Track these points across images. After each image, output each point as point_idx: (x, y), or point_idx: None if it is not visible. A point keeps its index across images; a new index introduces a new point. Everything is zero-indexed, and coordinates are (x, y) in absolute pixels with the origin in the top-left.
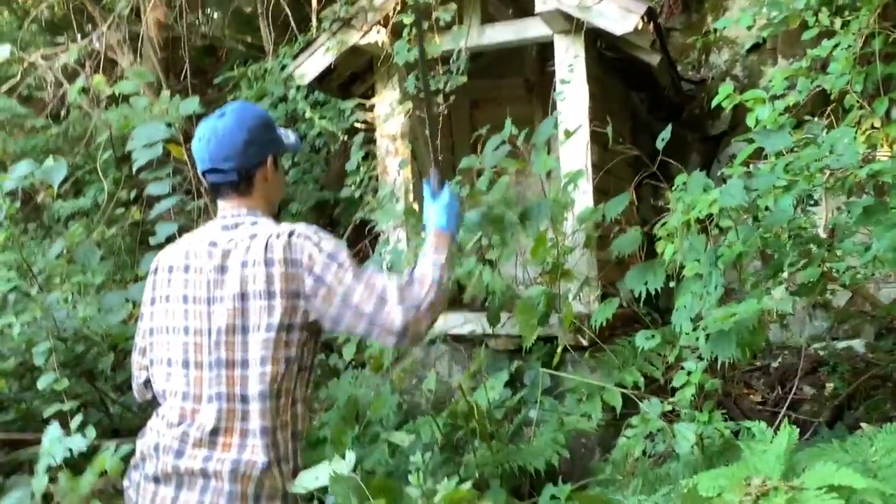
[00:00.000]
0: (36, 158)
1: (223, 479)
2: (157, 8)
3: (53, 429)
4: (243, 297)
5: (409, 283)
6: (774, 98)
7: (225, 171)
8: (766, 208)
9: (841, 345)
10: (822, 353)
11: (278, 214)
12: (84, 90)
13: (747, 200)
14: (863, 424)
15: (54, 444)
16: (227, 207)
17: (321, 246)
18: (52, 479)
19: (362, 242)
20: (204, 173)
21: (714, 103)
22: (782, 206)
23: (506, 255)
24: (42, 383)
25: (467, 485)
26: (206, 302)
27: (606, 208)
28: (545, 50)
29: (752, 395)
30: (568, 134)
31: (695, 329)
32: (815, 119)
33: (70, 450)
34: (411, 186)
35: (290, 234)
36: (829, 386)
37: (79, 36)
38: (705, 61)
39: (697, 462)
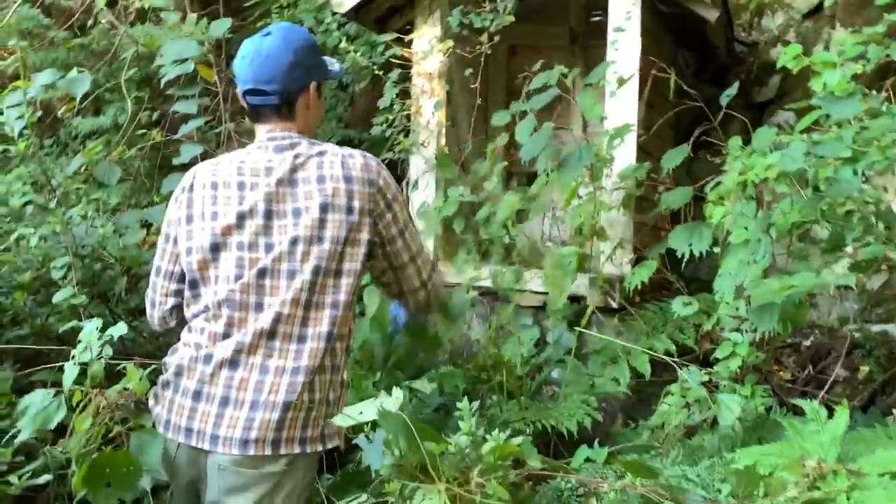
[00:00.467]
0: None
1: (279, 390)
2: None
3: (93, 323)
4: (323, 209)
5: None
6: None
7: (267, 94)
8: (827, 179)
9: (875, 328)
10: (856, 335)
11: None
12: (111, 2)
13: (807, 167)
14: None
15: (93, 335)
16: (275, 129)
17: (390, 176)
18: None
19: None
20: (244, 94)
21: (780, 64)
22: (845, 176)
23: (536, 208)
24: (58, 297)
25: (518, 439)
26: (265, 216)
27: (664, 160)
28: None
29: (781, 373)
30: (621, 81)
31: (736, 298)
32: (873, 92)
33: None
34: (444, 130)
35: (364, 156)
36: (864, 369)
37: None
38: (757, 24)
39: (736, 436)
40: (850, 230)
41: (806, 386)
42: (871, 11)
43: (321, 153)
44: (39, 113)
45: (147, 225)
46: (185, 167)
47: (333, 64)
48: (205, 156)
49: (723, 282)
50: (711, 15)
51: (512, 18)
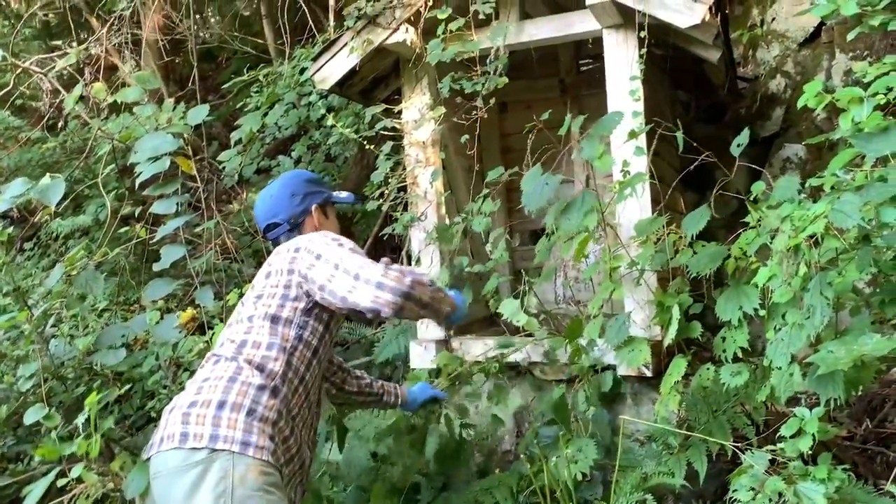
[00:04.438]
0: (32, 173)
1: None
2: (157, 11)
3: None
4: (266, 275)
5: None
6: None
7: (278, 224)
8: (870, 222)
9: None
10: None
11: None
12: (82, 98)
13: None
14: None
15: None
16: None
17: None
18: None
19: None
20: (264, 234)
21: (801, 104)
22: (889, 218)
23: (545, 274)
24: (30, 418)
25: None
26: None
27: (685, 225)
28: (581, 48)
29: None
30: (633, 134)
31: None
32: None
33: None
34: (443, 199)
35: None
36: None
37: (75, 43)
38: (752, 57)
39: None
40: None
41: (866, 443)
42: (872, 35)
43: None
44: (10, 229)
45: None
46: (166, 273)
47: (341, 194)
48: (192, 255)
49: (775, 349)
50: (713, 55)
51: (505, 80)
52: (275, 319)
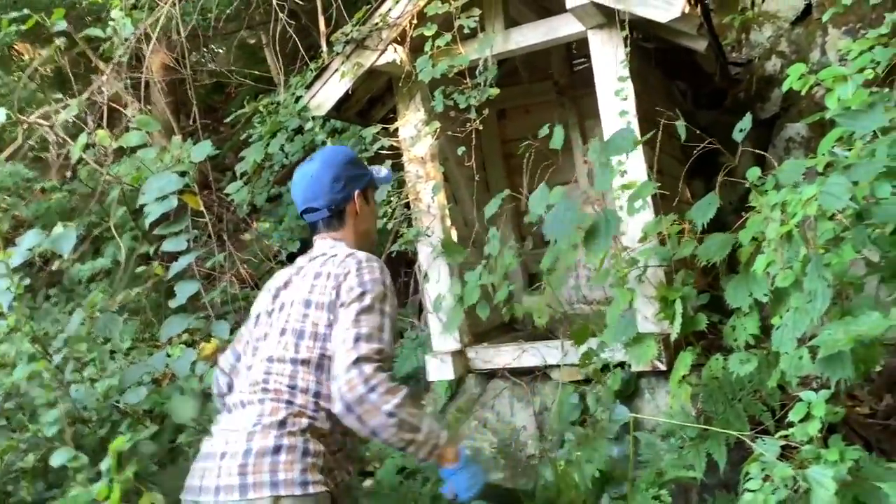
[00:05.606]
0: (50, 221)
1: None
2: (157, 51)
3: None
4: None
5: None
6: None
7: (318, 209)
8: (864, 198)
9: None
10: None
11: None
12: (90, 145)
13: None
14: None
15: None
16: (326, 240)
17: (369, 272)
18: None
19: (400, 276)
20: (301, 214)
21: (785, 88)
22: (882, 192)
23: (555, 281)
24: (56, 461)
25: None
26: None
27: (694, 214)
28: (573, 49)
29: (857, 408)
30: (636, 142)
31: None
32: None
33: None
34: (447, 212)
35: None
36: None
37: (77, 90)
38: (746, 40)
39: None
40: None
41: (888, 419)
42: (864, 8)
43: (334, 256)
44: (27, 281)
45: None
46: (183, 308)
47: (380, 171)
48: (206, 287)
49: (781, 335)
50: (700, 45)
51: (496, 91)
52: (319, 367)
